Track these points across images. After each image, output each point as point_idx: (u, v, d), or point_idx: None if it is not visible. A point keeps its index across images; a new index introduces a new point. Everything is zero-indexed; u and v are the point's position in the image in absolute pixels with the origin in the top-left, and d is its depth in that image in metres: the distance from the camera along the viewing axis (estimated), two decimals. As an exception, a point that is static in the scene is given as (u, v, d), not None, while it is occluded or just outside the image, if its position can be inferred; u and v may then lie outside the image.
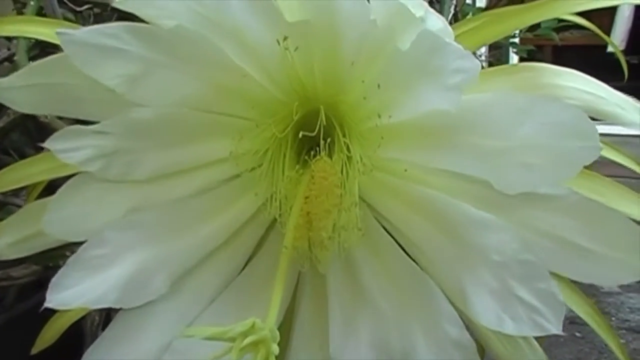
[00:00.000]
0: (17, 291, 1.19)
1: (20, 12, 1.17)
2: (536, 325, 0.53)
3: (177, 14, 0.54)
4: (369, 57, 0.56)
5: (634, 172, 0.59)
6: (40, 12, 0.92)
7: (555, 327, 0.52)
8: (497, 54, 2.51)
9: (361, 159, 0.62)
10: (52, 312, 0.62)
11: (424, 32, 0.49)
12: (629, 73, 0.73)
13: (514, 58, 2.80)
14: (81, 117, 0.62)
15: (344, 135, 0.62)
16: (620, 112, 0.56)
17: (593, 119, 0.52)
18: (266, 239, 0.68)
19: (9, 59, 1.05)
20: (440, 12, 1.11)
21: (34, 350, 0.70)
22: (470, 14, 1.59)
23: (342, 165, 0.62)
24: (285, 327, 0.65)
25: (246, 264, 0.67)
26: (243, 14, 0.54)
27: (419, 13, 0.49)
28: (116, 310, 0.62)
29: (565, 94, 0.56)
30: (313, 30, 0.55)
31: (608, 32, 4.63)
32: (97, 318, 0.95)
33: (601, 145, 0.50)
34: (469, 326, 0.59)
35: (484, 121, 0.55)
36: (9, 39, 1.06)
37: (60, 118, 0.80)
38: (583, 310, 0.60)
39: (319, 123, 0.61)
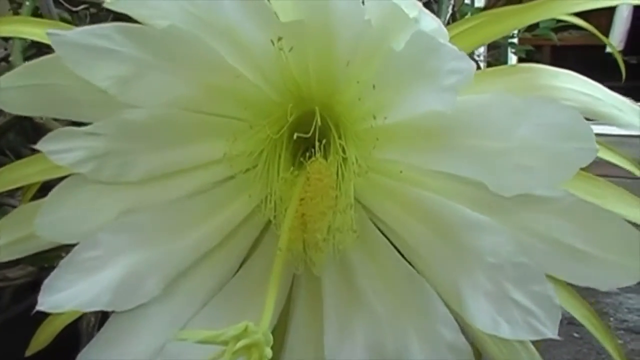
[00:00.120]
0: (13, 292, 1.19)
1: (16, 13, 1.17)
2: (532, 328, 0.52)
3: (170, 14, 0.53)
4: (364, 58, 0.56)
5: (630, 172, 0.59)
6: (37, 13, 0.91)
7: (550, 331, 0.52)
8: (495, 54, 2.51)
9: (357, 160, 0.62)
10: (47, 313, 0.62)
11: (417, 32, 0.49)
12: (628, 73, 0.72)
13: (512, 58, 2.80)
14: (74, 119, 0.61)
15: (339, 137, 0.62)
16: (617, 114, 0.55)
17: (588, 119, 0.51)
18: (261, 241, 0.67)
19: (5, 59, 1.05)
20: (438, 11, 1.11)
21: (28, 353, 0.70)
22: (469, 13, 1.59)
23: (338, 167, 0.62)
24: (280, 329, 0.65)
25: (240, 266, 0.67)
26: (236, 14, 0.53)
27: (412, 13, 0.48)
28: (112, 311, 0.62)
29: (562, 95, 0.56)
30: (307, 30, 0.55)
31: (606, 33, 4.64)
32: (92, 319, 0.95)
33: (597, 147, 0.50)
34: (465, 329, 0.58)
35: (480, 122, 0.54)
36: (5, 39, 1.06)
37: (56, 119, 0.80)
38: (580, 313, 0.59)
39: (314, 124, 0.61)
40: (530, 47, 2.15)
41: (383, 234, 0.63)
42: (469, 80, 0.50)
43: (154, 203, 0.62)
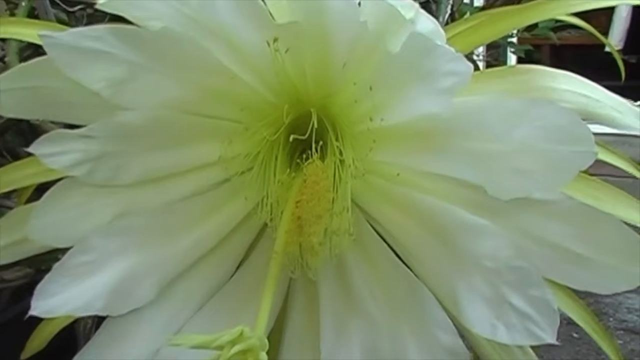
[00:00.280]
0: (11, 294, 1.19)
1: (13, 13, 1.16)
2: (530, 333, 0.52)
3: (164, 15, 0.53)
4: (361, 59, 0.55)
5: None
6: (33, 13, 0.91)
7: (549, 336, 0.52)
8: (494, 54, 2.51)
9: (353, 162, 0.61)
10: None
11: (413, 34, 0.49)
12: (627, 72, 0.72)
13: (511, 58, 2.80)
14: (67, 121, 0.61)
15: (336, 139, 0.62)
16: (616, 115, 0.55)
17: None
18: (257, 245, 0.67)
19: (2, 59, 1.04)
20: (437, 11, 1.10)
21: (23, 356, 0.69)
22: (468, 13, 1.59)
23: (335, 169, 0.62)
24: (276, 333, 0.64)
25: (236, 270, 0.66)
26: (231, 15, 0.52)
27: (409, 15, 0.48)
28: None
29: (560, 97, 0.55)
30: (303, 31, 0.54)
31: (606, 32, 4.64)
32: (89, 321, 0.94)
33: (597, 150, 0.49)
34: (463, 333, 0.58)
35: (478, 124, 0.54)
36: (2, 39, 1.05)
37: (52, 121, 0.79)
38: (579, 316, 0.59)
39: (310, 126, 0.60)
40: (529, 47, 2.14)
41: (380, 236, 0.63)
42: (465, 83, 0.49)
43: (148, 206, 0.61)
